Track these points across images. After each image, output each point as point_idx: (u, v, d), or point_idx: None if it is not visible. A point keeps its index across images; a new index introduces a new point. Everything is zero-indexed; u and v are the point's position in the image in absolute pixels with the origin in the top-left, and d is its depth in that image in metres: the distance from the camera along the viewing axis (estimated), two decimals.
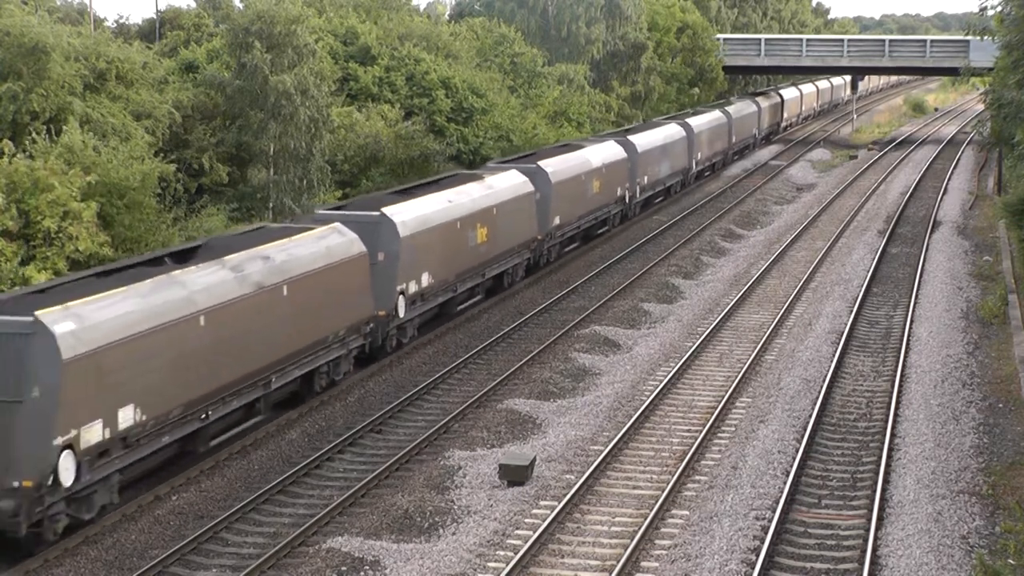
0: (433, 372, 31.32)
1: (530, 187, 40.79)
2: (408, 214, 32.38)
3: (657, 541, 20.95)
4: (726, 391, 29.21)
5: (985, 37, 37.68)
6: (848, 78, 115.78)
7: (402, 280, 31.61)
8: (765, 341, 33.63)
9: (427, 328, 34.45)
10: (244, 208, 42.10)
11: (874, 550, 20.28)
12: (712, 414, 27.42)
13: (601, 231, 50.43)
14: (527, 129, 58.96)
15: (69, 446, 20.12)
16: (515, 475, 23.36)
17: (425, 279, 32.91)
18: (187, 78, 45.82)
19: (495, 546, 20.74)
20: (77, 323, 20.60)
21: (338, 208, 33.14)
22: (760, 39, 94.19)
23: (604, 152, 49.57)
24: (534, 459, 23.90)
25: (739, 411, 28.01)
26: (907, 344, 33.53)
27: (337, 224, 29.94)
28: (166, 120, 39.82)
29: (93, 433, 20.66)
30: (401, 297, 31.61)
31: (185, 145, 41.15)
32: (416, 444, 25.80)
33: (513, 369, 31.12)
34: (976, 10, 38.50)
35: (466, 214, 35.64)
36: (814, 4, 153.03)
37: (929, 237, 51.06)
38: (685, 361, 31.64)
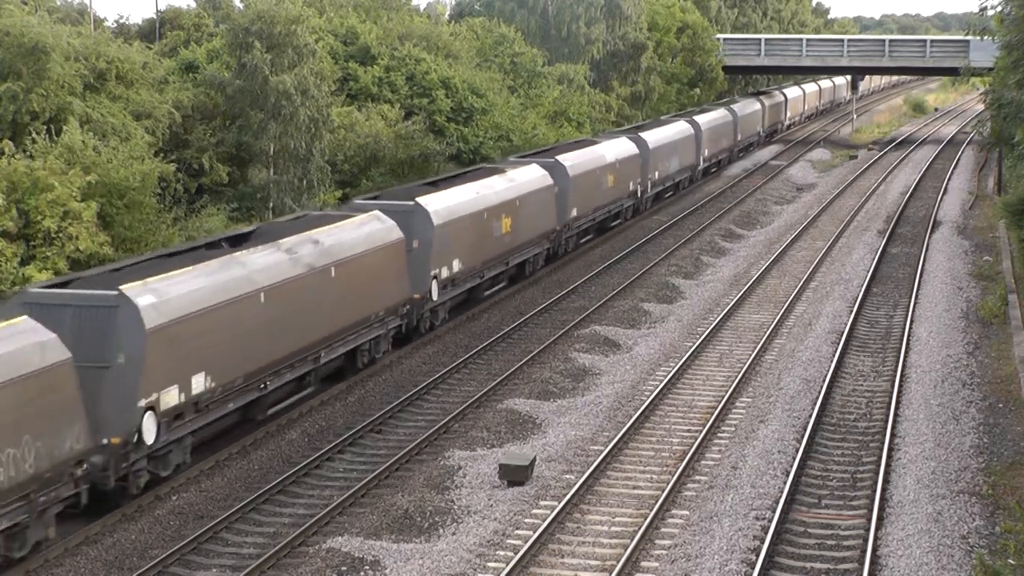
0: (433, 372, 31.32)
1: (549, 180, 42.63)
2: (440, 204, 34.38)
3: (657, 541, 20.95)
4: (726, 391, 29.21)
5: (985, 37, 37.68)
6: (849, 77, 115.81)
7: (435, 265, 33.56)
8: (765, 341, 33.63)
9: (456, 312, 36.32)
10: (244, 208, 42.09)
11: (874, 550, 20.29)
12: (712, 414, 27.42)
13: (615, 224, 52.23)
14: (527, 129, 58.97)
15: (151, 408, 22.12)
16: (515, 475, 23.36)
17: (456, 265, 34.89)
18: (187, 78, 45.81)
19: (495, 546, 20.74)
20: (157, 297, 22.61)
21: (374, 198, 34.96)
22: (760, 39, 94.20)
23: (617, 148, 51.38)
24: (534, 459, 23.90)
25: (739, 411, 28.01)
26: (907, 344, 33.53)
27: (376, 212, 31.93)
28: (166, 120, 39.82)
29: (171, 397, 22.70)
30: (434, 281, 33.59)
31: (185, 145, 41.14)
32: (416, 444, 25.80)
33: (513, 369, 31.13)
34: (976, 10, 38.53)
35: (492, 205, 37.49)
36: (814, 4, 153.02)
37: (929, 237, 51.07)
38: (685, 361, 31.64)
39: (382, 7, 66.05)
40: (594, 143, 50.99)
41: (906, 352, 32.71)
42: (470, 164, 52.02)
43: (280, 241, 27.49)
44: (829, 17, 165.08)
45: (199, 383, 23.46)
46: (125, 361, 21.81)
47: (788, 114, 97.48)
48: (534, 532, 20.97)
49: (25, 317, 20.71)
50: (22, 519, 19.54)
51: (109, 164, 33.89)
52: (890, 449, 25.13)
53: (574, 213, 45.23)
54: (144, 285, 22.63)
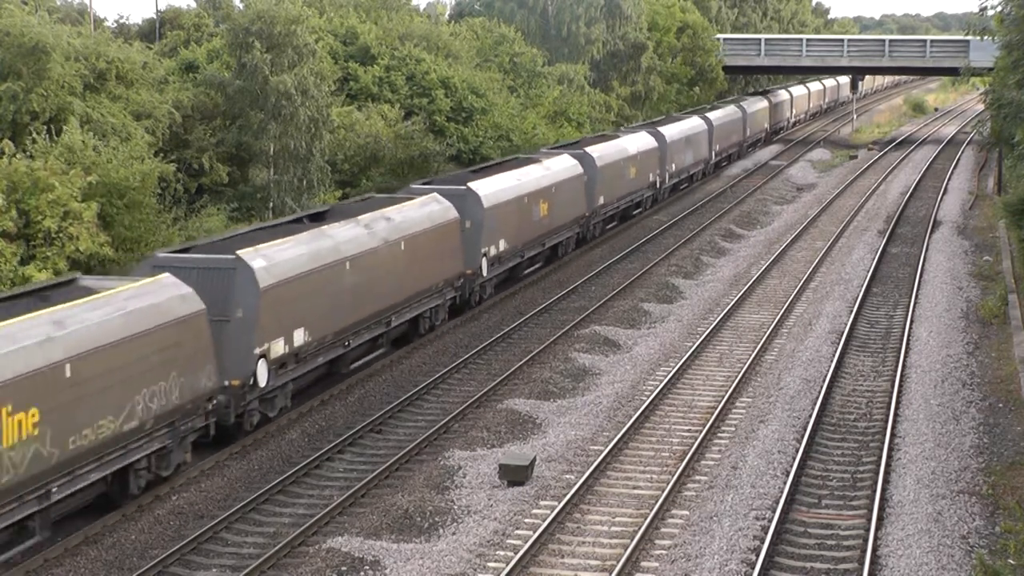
0: (433, 372, 31.33)
1: (580, 170, 46.25)
2: (489, 188, 38.09)
3: (657, 541, 20.95)
4: (726, 391, 29.21)
5: (985, 37, 37.68)
6: (850, 76, 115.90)
7: (485, 244, 37.18)
8: (765, 341, 33.63)
9: (500, 288, 39.87)
10: (244, 208, 42.10)
11: (874, 550, 20.29)
12: (712, 414, 27.42)
13: (636, 212, 55.72)
14: (527, 129, 58.98)
15: (263, 356, 25.79)
16: (515, 475, 23.36)
17: (502, 244, 38.48)
18: (187, 78, 45.81)
19: (495, 546, 20.75)
20: (267, 261, 26.25)
21: (429, 183, 38.69)
22: (760, 39, 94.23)
23: (638, 141, 55.08)
24: (534, 459, 23.90)
25: (739, 411, 28.01)
26: (907, 344, 33.53)
27: (435, 194, 35.36)
28: (166, 120, 39.82)
29: (278, 347, 26.32)
30: (484, 259, 37.22)
31: (185, 145, 41.14)
32: (416, 444, 25.81)
33: (513, 369, 31.13)
34: (976, 10, 38.53)
35: (532, 191, 41.11)
36: (814, 4, 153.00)
37: (929, 237, 51.07)
38: (685, 361, 31.64)
39: (382, 7, 66.03)
40: (616, 136, 54.62)
41: (906, 352, 32.71)
42: (470, 164, 52.08)
43: (359, 217, 31.20)
44: (829, 17, 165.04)
45: (299, 336, 27.07)
46: (243, 315, 25.32)
47: (794, 111, 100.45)
48: (534, 532, 20.97)
49: (167, 274, 24.02)
50: (168, 443, 23.08)
51: (109, 164, 33.89)
52: (890, 449, 25.13)
53: (601, 201, 48.68)
54: (256, 251, 26.32)
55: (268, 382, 25.94)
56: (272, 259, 26.41)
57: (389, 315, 31.39)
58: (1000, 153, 58.66)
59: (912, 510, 21.88)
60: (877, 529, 21.13)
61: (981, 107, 69.47)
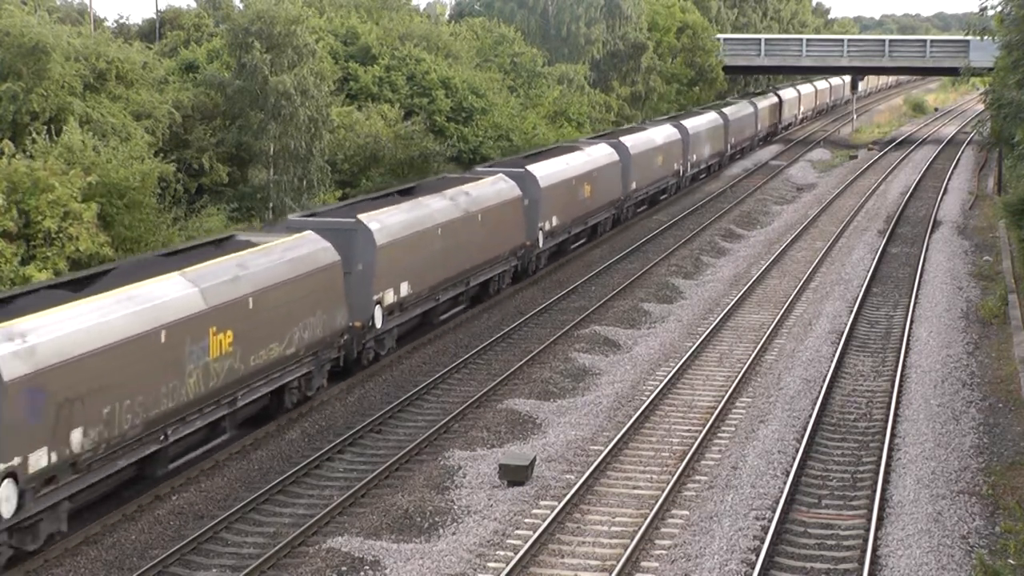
0: (433, 372, 31.34)
1: (616, 157, 50.81)
2: (544, 171, 42.88)
3: (657, 541, 20.95)
4: (726, 391, 29.21)
5: (985, 37, 37.67)
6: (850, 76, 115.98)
7: (541, 220, 41.85)
8: (765, 341, 33.63)
9: (551, 259, 44.48)
10: (244, 208, 42.11)
11: (874, 550, 20.29)
12: (712, 414, 27.42)
13: (662, 197, 60.60)
14: (527, 129, 58.99)
15: (379, 302, 30.51)
16: (515, 475, 23.36)
17: (554, 220, 43.22)
18: (187, 78, 45.81)
19: (495, 546, 20.75)
20: (381, 224, 30.91)
21: (492, 165, 43.78)
22: (760, 39, 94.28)
23: (664, 133, 59.96)
24: (534, 459, 23.90)
25: (739, 411, 28.01)
26: (907, 344, 33.53)
27: (500, 174, 40.08)
28: (166, 120, 39.81)
29: (389, 296, 31.03)
30: (540, 232, 41.85)
31: (185, 145, 41.15)
32: (416, 444, 25.81)
33: (513, 369, 31.14)
34: (976, 10, 38.52)
35: (577, 174, 45.73)
36: (814, 4, 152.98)
37: (929, 237, 51.07)
38: (685, 361, 31.65)
39: (382, 7, 66.03)
40: (644, 129, 59.79)
41: (906, 352, 32.71)
42: (470, 164, 52.17)
43: (444, 191, 35.91)
44: (829, 17, 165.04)
45: (404, 288, 31.82)
46: (362, 268, 30.00)
47: (801, 108, 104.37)
48: (534, 532, 20.97)
49: (309, 231, 28.72)
50: (312, 369, 27.78)
51: (109, 164, 33.88)
52: (890, 449, 25.13)
53: (633, 186, 53.46)
54: (372, 215, 31.08)
55: (382, 325, 30.93)
56: (384, 222, 31.32)
57: (468, 276, 36.37)
58: (1000, 153, 58.66)
59: (912, 510, 21.88)
60: (877, 529, 21.13)
61: (981, 107, 69.46)
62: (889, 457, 24.63)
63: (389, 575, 19.59)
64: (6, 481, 18.94)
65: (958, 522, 21.42)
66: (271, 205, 42.66)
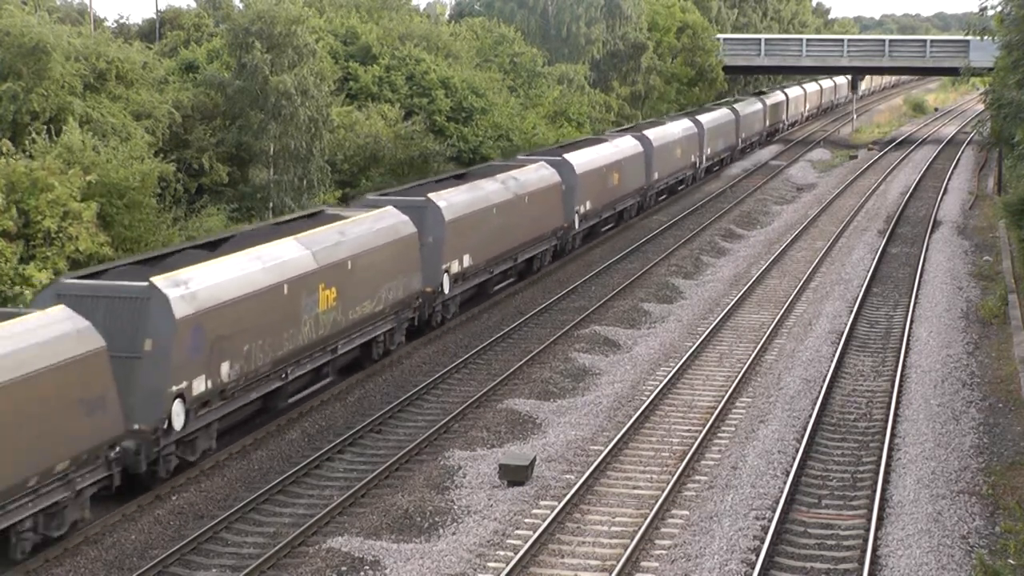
0: (433, 372, 31.34)
1: (640, 148, 54.80)
2: (579, 160, 46.89)
3: (657, 541, 20.95)
4: (726, 391, 29.21)
5: (985, 37, 37.66)
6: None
7: (577, 203, 45.79)
8: (765, 341, 33.63)
9: (585, 241, 48.72)
10: (244, 208, 42.09)
11: (874, 550, 20.29)
12: (712, 414, 27.42)
13: (680, 187, 64.65)
14: (527, 129, 58.98)
15: (447, 271, 34.60)
16: (515, 475, 23.36)
17: (588, 205, 47.21)
18: (187, 78, 45.78)
19: (495, 546, 20.75)
20: (448, 202, 35.09)
21: (532, 154, 47.85)
22: (760, 39, 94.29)
23: (682, 127, 63.98)
24: (534, 459, 23.90)
25: (739, 411, 28.01)
26: (907, 344, 33.53)
27: (542, 162, 44.21)
28: (166, 120, 39.79)
29: (455, 266, 35.18)
30: (576, 215, 45.96)
31: (185, 145, 41.12)
32: (416, 444, 25.80)
33: (513, 369, 31.14)
34: (976, 10, 38.52)
35: (608, 163, 49.78)
36: (814, 4, 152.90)
37: (929, 237, 51.07)
38: (685, 361, 31.64)
39: (382, 7, 66.00)
40: (664, 123, 63.27)
41: (906, 352, 32.71)
42: (470, 164, 52.19)
43: (496, 176, 40.11)
44: (829, 17, 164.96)
45: (467, 260, 35.69)
46: (432, 240, 33.74)
47: (808, 105, 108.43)
48: (534, 532, 20.97)
49: (390, 207, 32.76)
50: (394, 326, 31.83)
51: (109, 164, 33.86)
52: (890, 449, 25.13)
53: (655, 175, 57.35)
54: (440, 195, 35.03)
55: (449, 291, 34.61)
56: (451, 201, 35.30)
57: (517, 252, 40.20)
58: (1000, 153, 58.66)
59: (912, 510, 21.88)
60: (877, 529, 21.13)
61: (981, 107, 69.44)
62: (889, 457, 24.63)
63: (389, 575, 19.59)
64: (176, 401, 22.84)
65: (958, 522, 21.42)
66: (271, 205, 42.64)
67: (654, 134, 57.83)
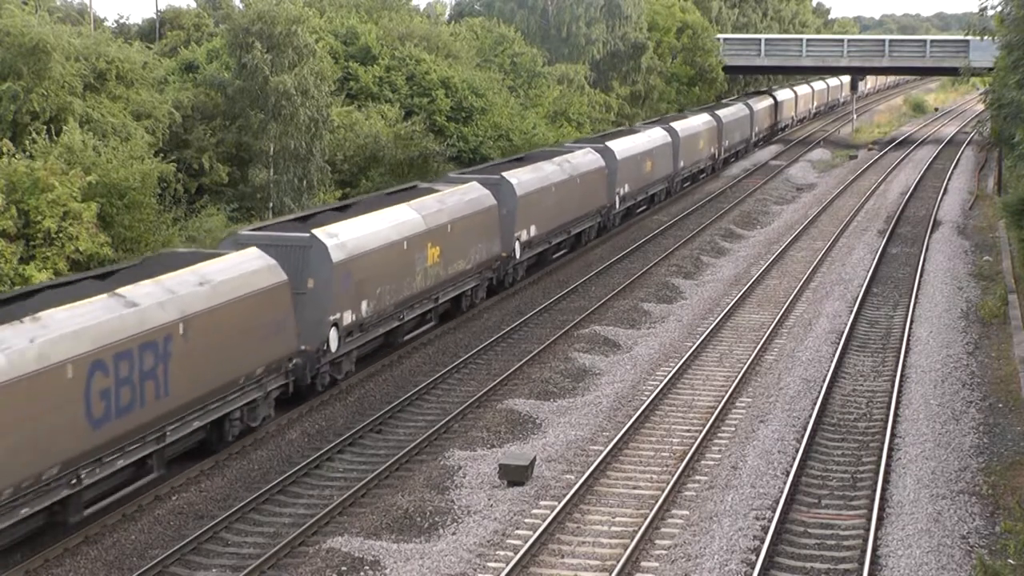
0: (433, 372, 31.34)
1: (668, 139, 60.19)
2: (619, 147, 52.30)
3: (657, 541, 20.95)
4: (726, 391, 29.21)
5: (985, 37, 37.64)
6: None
7: (618, 187, 51.38)
8: (765, 341, 33.63)
9: (623, 220, 53.78)
10: (244, 208, 42.08)
11: (874, 550, 20.29)
12: (712, 414, 27.42)
13: (701, 175, 69.61)
14: (527, 129, 58.98)
15: (518, 239, 39.95)
16: (515, 475, 23.36)
17: (626, 187, 52.38)
18: (187, 78, 45.78)
19: (495, 546, 20.75)
20: (518, 180, 40.45)
21: (578, 141, 54.35)
22: (760, 39, 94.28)
23: (702, 120, 68.97)
24: (534, 459, 23.90)
25: (739, 411, 28.01)
26: (907, 344, 33.53)
27: (588, 148, 49.69)
28: (166, 120, 39.79)
29: (523, 235, 40.47)
30: (618, 196, 51.20)
31: (185, 145, 41.12)
32: (416, 444, 25.81)
33: (513, 369, 31.14)
34: (976, 10, 38.50)
35: (641, 151, 55.15)
36: (814, 4, 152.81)
37: (929, 237, 51.07)
38: (685, 361, 31.64)
39: (382, 7, 65.99)
40: (687, 117, 68.01)
41: (906, 352, 32.71)
42: (470, 164, 52.24)
43: (553, 159, 45.32)
44: (829, 17, 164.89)
45: (532, 230, 41.35)
46: (506, 212, 39.21)
47: (815, 103, 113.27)
48: (534, 532, 20.97)
49: (474, 182, 38.46)
50: (478, 283, 37.42)
51: (109, 164, 33.87)
52: (890, 449, 25.13)
53: (681, 164, 62.83)
54: (512, 174, 40.74)
55: (520, 256, 40.57)
56: (521, 179, 40.88)
57: (569, 226, 45.59)
58: (1000, 153, 58.65)
59: (912, 510, 21.88)
60: (877, 529, 21.13)
61: (981, 107, 69.41)
62: (889, 457, 24.63)
63: (389, 575, 19.59)
64: (332, 328, 28.33)
65: (958, 522, 21.42)
66: (271, 205, 42.64)
67: (680, 126, 62.98)
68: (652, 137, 58.00)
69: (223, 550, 21.21)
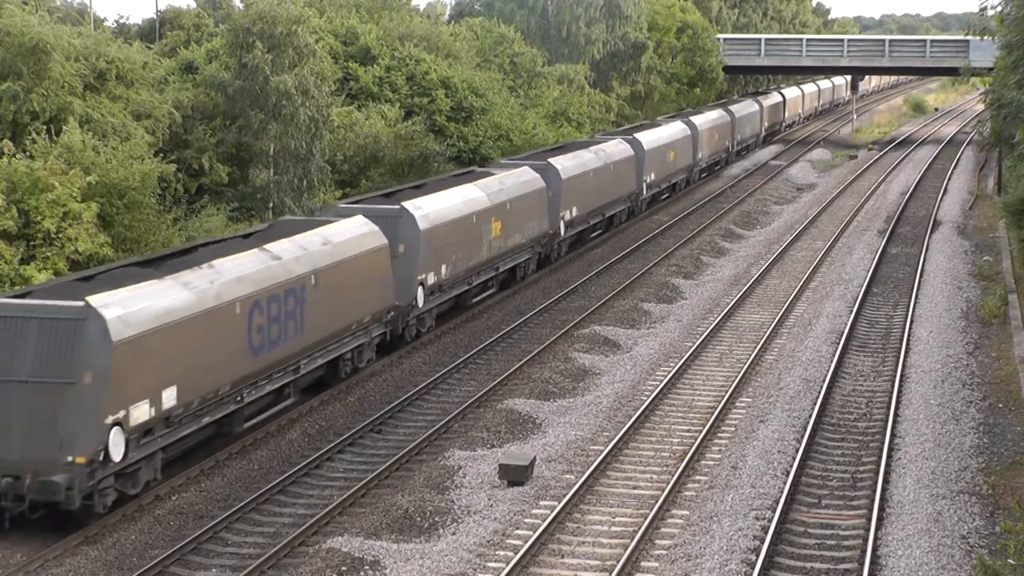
0: (433, 372, 31.34)
1: (688, 132, 64.90)
2: (647, 139, 56.85)
3: (657, 541, 20.95)
4: (726, 391, 29.22)
5: (985, 37, 37.64)
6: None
7: (645, 174, 55.82)
8: (765, 341, 33.63)
9: (650, 205, 58.83)
10: (244, 208, 42.07)
11: (874, 550, 20.29)
12: (712, 414, 27.42)
13: (716, 167, 74.14)
14: (527, 129, 58.99)
15: (563, 218, 44.90)
16: (515, 475, 23.36)
17: (653, 176, 57.47)
18: (187, 78, 45.77)
19: (495, 546, 20.75)
20: (562, 165, 45.01)
21: (607, 134, 59.23)
22: (760, 39, 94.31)
23: (717, 115, 73.87)
24: (534, 459, 23.90)
25: (739, 411, 28.01)
26: (907, 344, 33.53)
27: (619, 139, 54.47)
28: (166, 120, 39.76)
29: (567, 215, 45.12)
30: (645, 184, 56.02)
31: (185, 145, 41.10)
32: (416, 444, 25.81)
33: (513, 369, 31.14)
34: (976, 10, 38.50)
35: (664, 144, 59.69)
36: (815, 4, 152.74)
37: (929, 237, 51.07)
38: (685, 361, 31.65)
39: (382, 7, 65.98)
40: (702, 112, 72.65)
41: (906, 352, 32.71)
42: (470, 164, 52.25)
43: (589, 148, 50.07)
44: (829, 17, 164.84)
45: (574, 211, 45.89)
46: (552, 195, 43.56)
47: (821, 100, 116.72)
48: (534, 532, 20.98)
49: (525, 166, 42.87)
50: (530, 255, 42.05)
51: (109, 164, 33.85)
52: (890, 449, 25.13)
53: (699, 155, 67.32)
54: (557, 159, 45.66)
55: (564, 234, 44.93)
56: (564, 164, 45.38)
57: (604, 209, 50.11)
58: (1000, 153, 58.64)
59: (912, 510, 21.88)
60: (877, 529, 21.14)
61: (981, 107, 69.39)
62: (889, 457, 24.63)
63: (389, 575, 19.59)
64: (419, 287, 32.78)
65: (958, 522, 21.42)
66: (271, 205, 42.63)
67: (699, 120, 67.64)
68: (674, 130, 62.94)
69: (223, 550, 21.20)
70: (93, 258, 31.56)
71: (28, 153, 33.46)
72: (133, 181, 33.93)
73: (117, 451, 21.20)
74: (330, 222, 30.54)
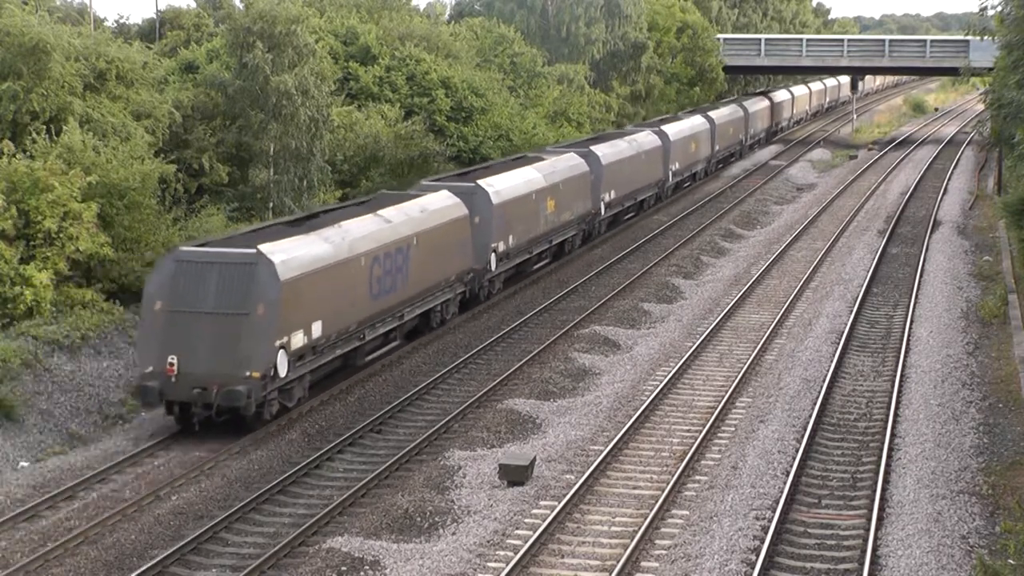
0: (433, 372, 31.34)
1: (707, 125, 69.95)
2: (674, 130, 62.17)
3: (657, 541, 20.96)
4: (726, 391, 29.22)
5: (985, 37, 37.64)
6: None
7: (671, 163, 61.27)
8: (765, 341, 33.63)
9: (675, 191, 63.89)
10: (244, 208, 42.05)
11: (874, 550, 20.29)
12: (712, 414, 27.43)
13: (731, 158, 78.43)
14: (527, 129, 58.98)
15: (603, 199, 49.03)
16: (515, 475, 23.36)
17: (678, 164, 62.41)
18: (187, 78, 45.75)
19: (495, 546, 20.75)
20: (603, 153, 49.98)
21: (637, 126, 64.82)
22: (760, 39, 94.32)
23: (731, 110, 78.35)
24: (534, 459, 23.91)
25: (739, 411, 28.01)
26: (907, 344, 33.53)
27: (648, 130, 59.32)
28: (166, 120, 39.73)
29: (607, 196, 49.92)
30: (670, 172, 60.46)
31: (185, 145, 41.07)
32: (416, 444, 25.81)
33: (513, 369, 31.14)
34: (976, 10, 38.49)
35: (685, 136, 64.31)
36: (815, 4, 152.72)
37: (929, 237, 51.06)
38: (685, 361, 31.65)
39: (382, 7, 65.95)
40: (717, 107, 77.06)
41: (906, 352, 32.71)
42: (470, 163, 52.25)
43: (624, 137, 55.09)
44: (829, 17, 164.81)
45: (612, 194, 50.97)
46: (594, 179, 48.18)
47: (828, 98, 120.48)
48: (534, 532, 20.98)
49: (571, 154, 47.33)
50: (576, 232, 46.97)
51: (109, 164, 33.84)
52: (890, 449, 25.13)
53: (716, 147, 72.11)
54: (598, 147, 50.34)
55: (604, 214, 49.91)
56: (604, 152, 50.04)
57: (636, 194, 54.94)
58: (1000, 153, 58.61)
59: (912, 510, 21.88)
60: (877, 529, 21.14)
61: (981, 107, 69.37)
62: (889, 457, 24.63)
63: (389, 575, 19.60)
64: (492, 254, 37.88)
65: (958, 522, 21.42)
66: (271, 205, 42.61)
67: (716, 115, 72.68)
68: (695, 123, 67.95)
69: (223, 550, 21.21)
70: (93, 258, 31.54)
71: (28, 153, 33.46)
72: (133, 181, 33.92)
73: (282, 369, 26.25)
74: (422, 195, 35.60)
